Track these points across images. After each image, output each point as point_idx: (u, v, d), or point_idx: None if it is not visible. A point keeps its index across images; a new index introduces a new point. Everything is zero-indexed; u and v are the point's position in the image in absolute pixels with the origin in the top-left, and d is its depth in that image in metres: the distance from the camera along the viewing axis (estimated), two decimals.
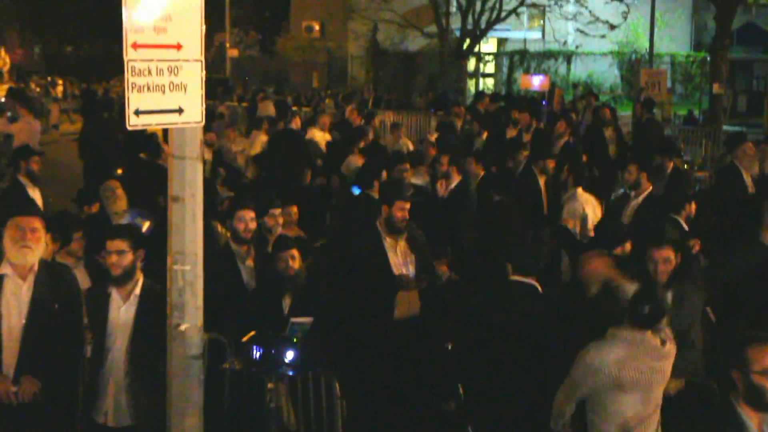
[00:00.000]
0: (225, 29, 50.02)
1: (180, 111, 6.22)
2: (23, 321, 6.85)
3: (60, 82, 50.73)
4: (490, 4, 37.90)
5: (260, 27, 58.05)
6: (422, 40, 42.58)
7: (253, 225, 8.74)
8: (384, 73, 44.30)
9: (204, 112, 6.40)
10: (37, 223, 6.93)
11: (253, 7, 58.80)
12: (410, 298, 8.98)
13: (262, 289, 8.36)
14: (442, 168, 12.82)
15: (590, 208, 11.88)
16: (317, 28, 49.83)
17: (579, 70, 46.29)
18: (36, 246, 6.88)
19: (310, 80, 44.87)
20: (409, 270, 9.07)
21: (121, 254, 7.13)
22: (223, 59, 49.41)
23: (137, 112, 5.99)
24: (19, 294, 6.88)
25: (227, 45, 49.81)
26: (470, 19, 38.22)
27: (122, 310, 7.16)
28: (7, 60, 68.53)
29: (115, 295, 7.20)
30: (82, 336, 7.15)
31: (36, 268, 6.95)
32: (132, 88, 5.95)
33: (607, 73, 47.15)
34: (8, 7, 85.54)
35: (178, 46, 6.18)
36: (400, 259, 9.08)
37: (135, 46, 5.94)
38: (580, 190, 12.15)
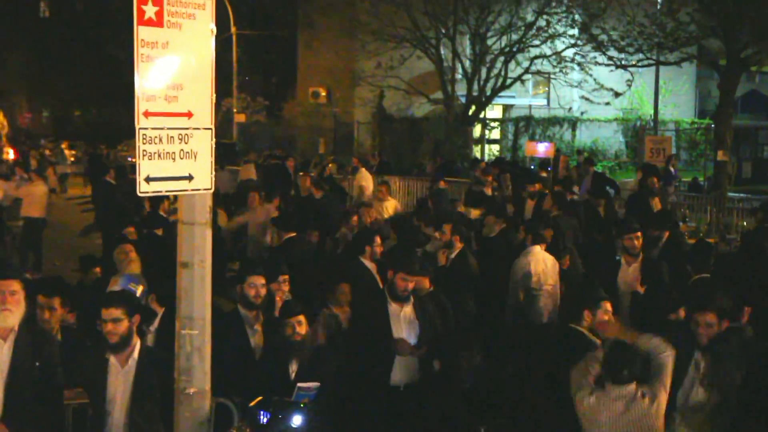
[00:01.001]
0: (232, 94, 50.42)
1: (190, 178, 6.32)
2: (4, 381, 6.89)
3: (65, 146, 50.97)
4: (495, 71, 38.16)
5: (267, 92, 58.45)
6: (428, 106, 42.79)
7: (263, 291, 8.78)
8: (390, 138, 44.47)
9: (213, 179, 6.49)
10: (16, 286, 6.97)
11: (260, 73, 59.32)
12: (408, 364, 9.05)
13: (269, 354, 8.38)
14: (444, 237, 12.81)
15: (540, 266, 12.20)
16: (324, 94, 50.02)
17: (584, 137, 46.49)
18: (15, 308, 6.92)
19: (317, 145, 45.06)
20: (410, 336, 9.08)
21: (116, 322, 7.20)
22: (230, 124, 49.73)
23: (148, 179, 6.08)
24: (0, 354, 6.93)
25: (234, 110, 50.19)
26: (476, 86, 38.46)
27: (121, 375, 7.23)
28: (5, 124, 68.98)
29: (113, 360, 7.26)
30: (61, 396, 7.20)
31: (17, 329, 6.99)
32: (143, 155, 6.05)
33: (611, 140, 47.32)
34: (17, 71, 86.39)
35: (189, 114, 6.29)
36: (402, 325, 9.07)
37: (146, 114, 6.05)
38: (537, 248, 12.35)
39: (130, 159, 41.53)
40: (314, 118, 49.01)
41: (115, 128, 65.46)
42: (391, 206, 18.71)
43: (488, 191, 19.14)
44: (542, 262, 12.25)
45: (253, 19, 49.68)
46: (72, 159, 47.83)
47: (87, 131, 73.76)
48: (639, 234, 11.63)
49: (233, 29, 48.96)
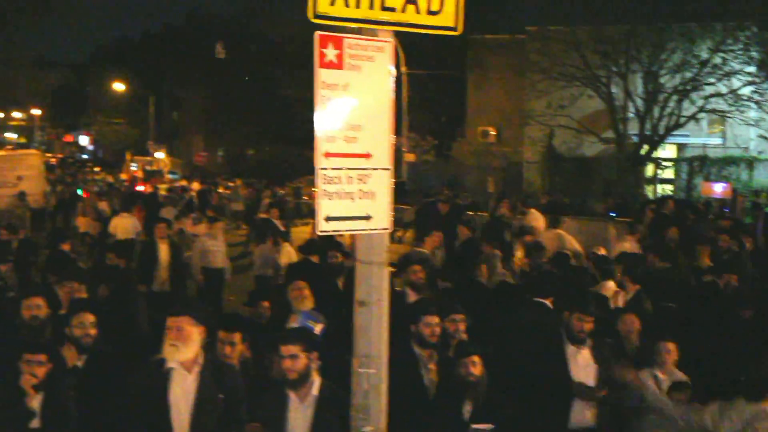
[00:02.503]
0: (402, 134, 50.92)
1: (368, 218, 6.39)
2: (190, 412, 7.13)
3: (239, 183, 52.25)
4: (668, 110, 37.55)
5: (436, 132, 58.76)
6: (599, 145, 42.31)
7: (438, 330, 8.80)
8: (560, 178, 44.17)
9: (391, 219, 6.55)
10: (185, 323, 7.18)
11: (429, 112, 59.73)
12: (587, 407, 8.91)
13: (443, 393, 8.38)
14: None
15: None
16: (493, 133, 50.20)
17: (762, 177, 45.05)
18: (183, 344, 7.13)
19: (486, 185, 45.03)
20: (589, 379, 8.94)
21: (294, 358, 7.30)
22: (399, 163, 50.18)
23: (327, 219, 6.19)
24: (185, 386, 7.17)
25: (404, 149, 50.63)
26: (648, 125, 37.91)
27: (300, 411, 7.32)
28: (168, 161, 71.56)
29: (292, 396, 7.37)
30: (244, 430, 7.35)
31: (201, 361, 7.21)
32: (323, 195, 6.16)
33: None
34: (194, 111, 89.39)
35: (368, 155, 6.38)
36: (580, 368, 8.96)
37: (327, 154, 6.16)
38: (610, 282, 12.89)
39: (305, 198, 42.35)
40: (483, 158, 49.02)
41: (288, 166, 66.91)
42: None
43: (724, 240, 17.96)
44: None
45: (423, 58, 50.09)
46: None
47: (260, 169, 75.52)
48: None
49: (404, 69, 49.55)
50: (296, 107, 58.66)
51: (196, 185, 52.42)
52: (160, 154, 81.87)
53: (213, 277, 19.00)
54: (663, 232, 18.15)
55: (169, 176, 64.75)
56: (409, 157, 50.84)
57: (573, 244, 18.09)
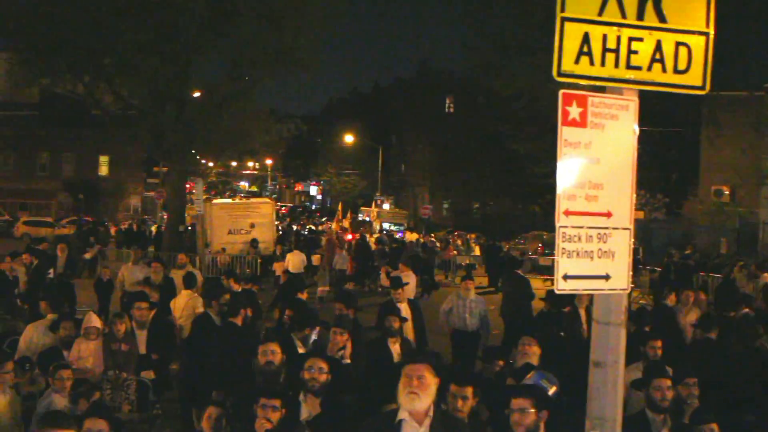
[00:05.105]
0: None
1: (606, 277, 6.29)
2: None
3: (472, 237, 52.66)
4: None
5: (667, 189, 57.58)
6: None
7: (669, 394, 8.60)
8: None
9: (630, 280, 6.43)
10: (425, 371, 7.13)
11: (660, 170, 58.65)
12: None
13: None
14: None
15: None
16: (727, 192, 48.84)
17: None
18: (423, 392, 7.06)
19: (718, 245, 43.75)
20: None
21: (523, 412, 7.26)
22: None
23: (566, 277, 6.12)
24: None
25: (634, 206, 49.79)
26: None
27: None
28: (375, 213, 73.06)
29: None
30: None
31: (432, 413, 7.15)
32: (562, 253, 6.10)
33: None
34: (422, 164, 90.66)
35: (608, 214, 6.30)
36: None
37: (567, 213, 6.12)
38: None
39: (527, 253, 42.18)
40: (716, 217, 47.71)
41: (512, 221, 66.84)
42: None
43: None
44: None
45: (655, 115, 49.32)
46: (477, 251, 49.10)
47: (483, 223, 75.78)
48: None
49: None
50: (523, 162, 58.58)
51: (409, 236, 53.18)
52: (386, 206, 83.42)
53: (465, 340, 17.58)
54: None
55: (385, 227, 66.16)
56: (638, 215, 49.96)
57: None
